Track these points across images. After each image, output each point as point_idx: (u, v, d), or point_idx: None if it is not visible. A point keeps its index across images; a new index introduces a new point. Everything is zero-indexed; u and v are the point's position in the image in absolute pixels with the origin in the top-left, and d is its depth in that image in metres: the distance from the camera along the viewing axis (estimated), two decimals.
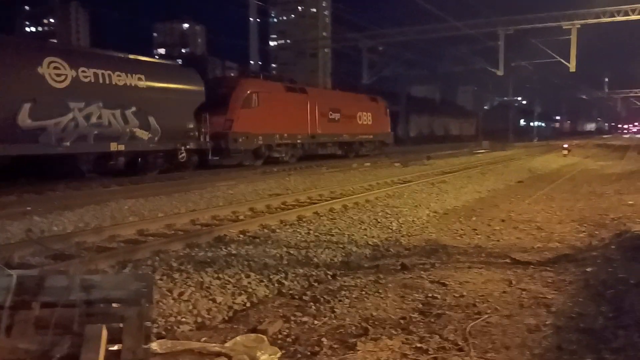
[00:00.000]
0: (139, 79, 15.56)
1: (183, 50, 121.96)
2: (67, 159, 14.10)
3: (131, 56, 16.25)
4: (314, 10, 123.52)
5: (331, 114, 26.20)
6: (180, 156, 17.37)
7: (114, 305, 2.62)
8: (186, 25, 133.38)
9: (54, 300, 2.53)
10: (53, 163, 13.95)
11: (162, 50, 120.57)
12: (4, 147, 12.20)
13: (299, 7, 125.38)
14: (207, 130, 18.32)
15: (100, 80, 14.39)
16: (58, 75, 13.31)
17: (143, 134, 15.74)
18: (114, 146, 14.79)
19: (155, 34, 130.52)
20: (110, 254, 6.08)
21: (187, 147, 17.52)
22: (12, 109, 12.36)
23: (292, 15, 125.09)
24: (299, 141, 23.95)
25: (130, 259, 6.01)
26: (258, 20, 33.77)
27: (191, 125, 17.57)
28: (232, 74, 23.43)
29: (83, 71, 13.93)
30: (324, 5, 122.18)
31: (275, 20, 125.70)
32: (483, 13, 36.61)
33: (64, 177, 14.01)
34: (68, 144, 13.58)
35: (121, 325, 2.59)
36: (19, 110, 12.45)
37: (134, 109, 15.30)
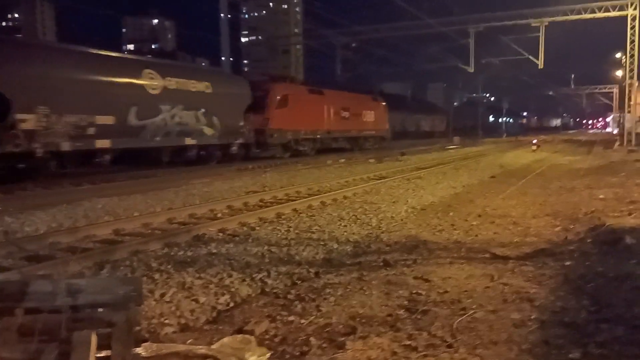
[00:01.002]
0: (207, 86, 19.09)
1: (153, 46, 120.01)
2: (154, 151, 17.11)
3: (201, 67, 19.59)
4: (285, 6, 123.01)
5: (342, 113, 29.45)
6: (232, 149, 20.64)
7: (101, 310, 2.54)
8: (156, 21, 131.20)
9: (39, 306, 2.42)
10: (144, 154, 16.93)
11: (131, 46, 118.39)
12: (122, 140, 15.41)
13: (270, 3, 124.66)
14: (251, 127, 21.58)
15: (181, 87, 17.84)
16: (153, 83, 16.60)
17: (209, 131, 19.20)
18: (188, 141, 18.26)
19: (124, 29, 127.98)
20: (86, 255, 5.93)
21: (238, 141, 20.85)
22: (124, 111, 15.53)
23: (264, 12, 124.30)
24: (318, 136, 27.27)
25: (107, 259, 5.87)
26: (229, 15, 33.64)
27: (241, 123, 20.98)
28: (264, 77, 25.88)
29: (169, 80, 17.27)
30: (295, 1, 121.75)
31: (246, 16, 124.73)
32: (455, 11, 36.97)
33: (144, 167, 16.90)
34: (159, 138, 16.92)
35: (109, 330, 2.51)
36: (129, 112, 15.64)
37: (203, 110, 18.81)
